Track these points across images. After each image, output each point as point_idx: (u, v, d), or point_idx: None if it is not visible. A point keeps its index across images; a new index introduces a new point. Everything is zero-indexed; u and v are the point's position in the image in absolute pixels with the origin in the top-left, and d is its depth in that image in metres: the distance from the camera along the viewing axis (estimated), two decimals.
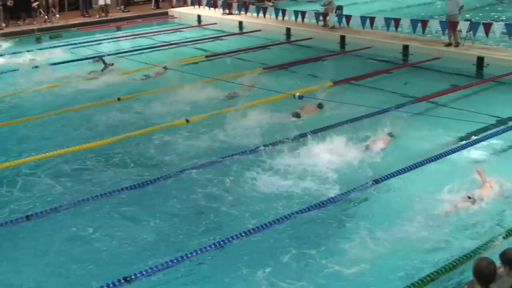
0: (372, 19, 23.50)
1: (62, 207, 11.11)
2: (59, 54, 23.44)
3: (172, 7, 33.01)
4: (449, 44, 22.22)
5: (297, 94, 12.70)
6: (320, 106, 15.73)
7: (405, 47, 22.96)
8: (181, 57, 22.52)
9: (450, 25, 21.90)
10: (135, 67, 20.61)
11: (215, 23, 29.76)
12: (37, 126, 15.56)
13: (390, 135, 13.92)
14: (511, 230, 9.82)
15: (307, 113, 15.50)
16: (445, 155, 12.94)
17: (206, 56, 22.87)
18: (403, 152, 13.31)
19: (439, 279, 8.69)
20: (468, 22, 22.09)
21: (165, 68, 20.11)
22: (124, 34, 27.94)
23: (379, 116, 15.03)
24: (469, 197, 10.85)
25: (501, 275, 6.69)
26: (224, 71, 20.10)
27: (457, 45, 22.11)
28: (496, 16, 29.63)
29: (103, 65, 20.63)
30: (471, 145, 13.49)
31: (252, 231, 10.13)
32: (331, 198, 11.22)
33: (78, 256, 9.69)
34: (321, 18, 25.68)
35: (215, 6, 29.93)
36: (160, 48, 24.85)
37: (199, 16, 30.91)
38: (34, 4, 28.91)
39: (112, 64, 20.75)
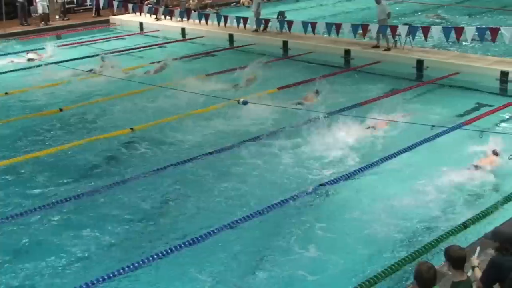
0: (313, 24, 23.72)
1: (2, 219, 10.88)
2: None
3: (113, 14, 32.63)
4: (387, 49, 22.73)
5: (241, 99, 12.77)
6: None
7: (347, 52, 23.30)
8: (123, 64, 22.31)
9: (382, 29, 22.45)
10: (78, 76, 20.21)
11: (157, 30, 29.58)
12: None
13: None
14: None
15: None
16: (386, 160, 13.25)
17: (151, 63, 22.64)
18: (349, 154, 13.54)
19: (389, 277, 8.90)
20: (407, 26, 22.50)
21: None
22: (65, 43, 27.41)
23: (321, 120, 15.31)
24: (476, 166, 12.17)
25: (445, 273, 6.84)
26: (169, 78, 20.12)
27: (377, 46, 22.90)
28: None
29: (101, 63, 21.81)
30: (415, 147, 13.80)
31: (201, 237, 10.15)
32: (279, 201, 11.35)
33: (19, 271, 9.48)
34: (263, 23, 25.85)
35: (156, 13, 29.75)
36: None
37: (141, 24, 30.65)
38: None
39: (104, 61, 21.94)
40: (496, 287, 6.69)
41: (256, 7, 26.99)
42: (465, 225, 10.15)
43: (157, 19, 30.45)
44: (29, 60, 22.93)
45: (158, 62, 22.09)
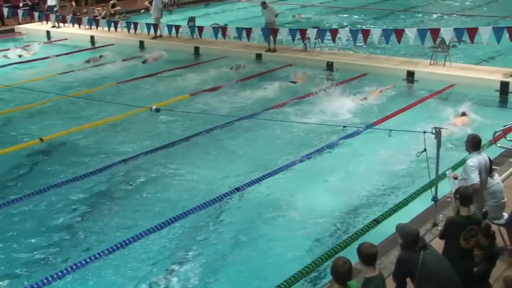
0: (224, 29, 23.80)
1: None
2: None
3: (19, 23, 31.67)
4: (268, 50, 23.46)
5: (154, 107, 12.66)
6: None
7: (258, 56, 23.49)
8: (31, 74, 21.72)
9: (270, 32, 22.95)
10: None
11: (66, 39, 28.87)
12: None
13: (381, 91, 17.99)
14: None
15: None
16: (300, 160, 13.40)
17: (59, 74, 22.08)
18: (256, 160, 13.66)
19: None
20: (316, 29, 22.90)
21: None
22: None
23: (237, 123, 15.39)
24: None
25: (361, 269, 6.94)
26: (80, 87, 19.78)
27: (274, 50, 23.47)
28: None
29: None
30: (327, 148, 14.08)
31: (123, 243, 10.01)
32: (196, 206, 11.30)
33: None
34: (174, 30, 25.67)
35: (64, 21, 29.04)
36: (8, 66, 23.64)
37: (48, 32, 29.83)
38: None
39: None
40: None
41: (157, 12, 27.11)
42: (377, 221, 10.38)
43: (54, 26, 29.82)
44: None
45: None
